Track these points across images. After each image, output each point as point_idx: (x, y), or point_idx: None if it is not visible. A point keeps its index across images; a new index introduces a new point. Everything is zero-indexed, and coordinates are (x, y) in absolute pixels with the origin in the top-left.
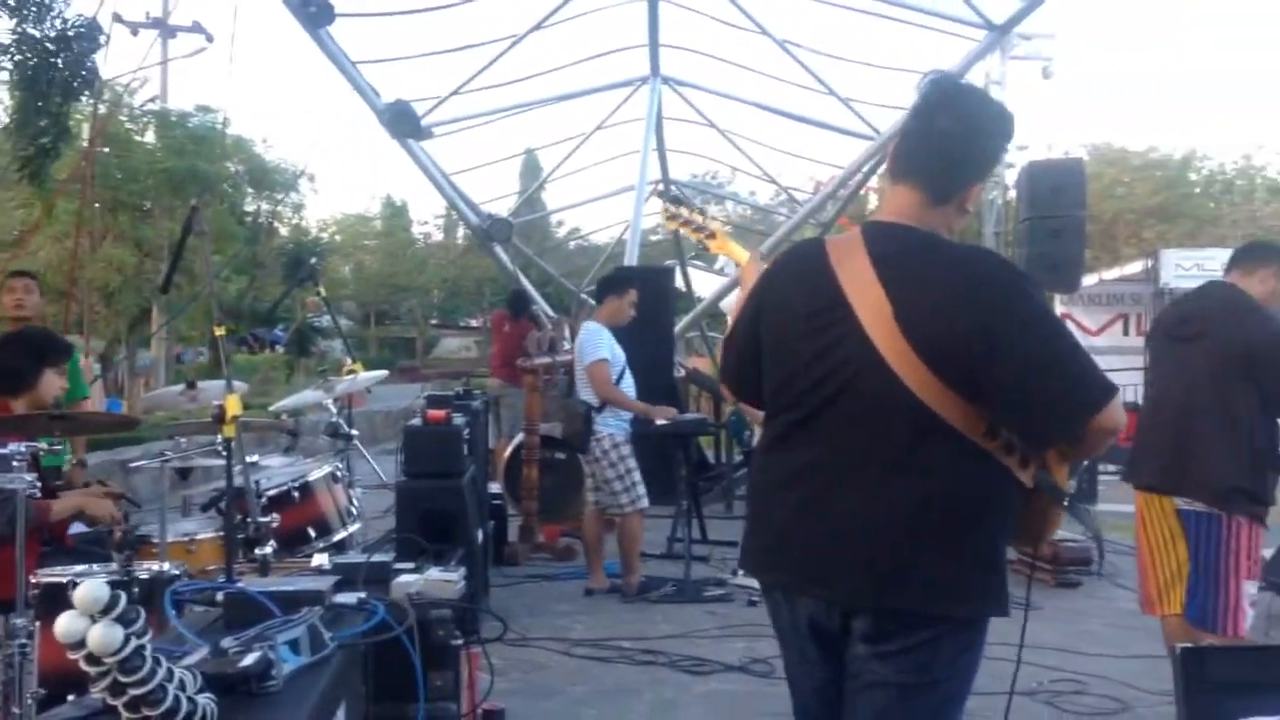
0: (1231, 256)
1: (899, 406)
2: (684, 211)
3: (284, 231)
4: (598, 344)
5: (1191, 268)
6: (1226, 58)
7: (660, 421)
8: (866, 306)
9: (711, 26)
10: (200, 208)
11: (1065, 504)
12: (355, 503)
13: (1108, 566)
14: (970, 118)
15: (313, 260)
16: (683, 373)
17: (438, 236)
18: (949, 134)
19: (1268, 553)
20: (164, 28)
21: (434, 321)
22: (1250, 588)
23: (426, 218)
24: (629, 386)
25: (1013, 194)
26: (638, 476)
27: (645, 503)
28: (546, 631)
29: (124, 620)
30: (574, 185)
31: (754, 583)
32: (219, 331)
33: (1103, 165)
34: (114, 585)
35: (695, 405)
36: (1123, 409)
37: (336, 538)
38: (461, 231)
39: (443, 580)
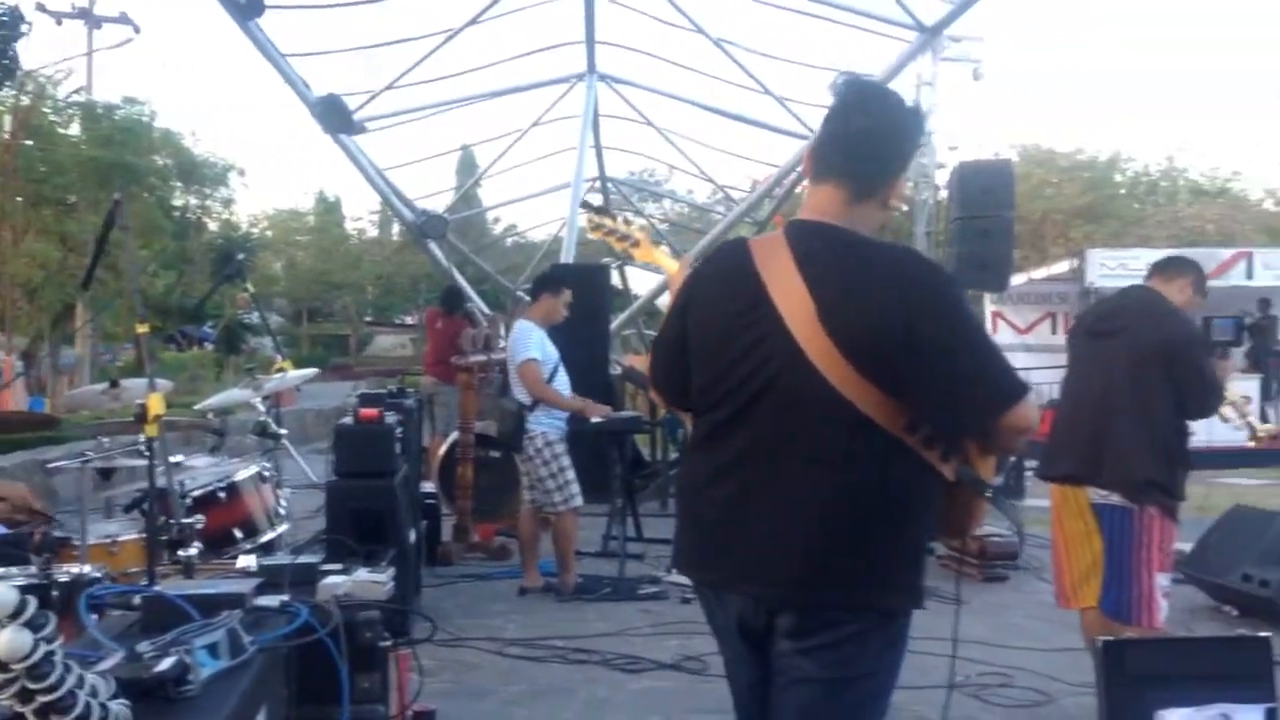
0: (1152, 265)
1: (822, 403)
2: (607, 221)
3: (213, 226)
4: (527, 343)
5: (1116, 267)
6: (1149, 57)
7: (595, 419)
8: (790, 305)
9: (648, 24)
10: (123, 201)
11: (988, 497)
12: (283, 503)
13: (1033, 560)
14: (886, 116)
15: (241, 256)
16: (619, 370)
17: (372, 233)
18: (868, 132)
19: (1186, 546)
20: (90, 18)
21: (368, 319)
22: (1163, 580)
23: (360, 214)
24: (563, 384)
25: (944, 194)
26: (571, 475)
27: (579, 501)
28: (480, 632)
29: (33, 625)
30: (511, 182)
31: (688, 580)
32: (141, 329)
33: (1031, 166)
34: (33, 588)
35: (631, 403)
36: (1035, 409)
37: (264, 539)
38: (396, 228)
39: (371, 581)
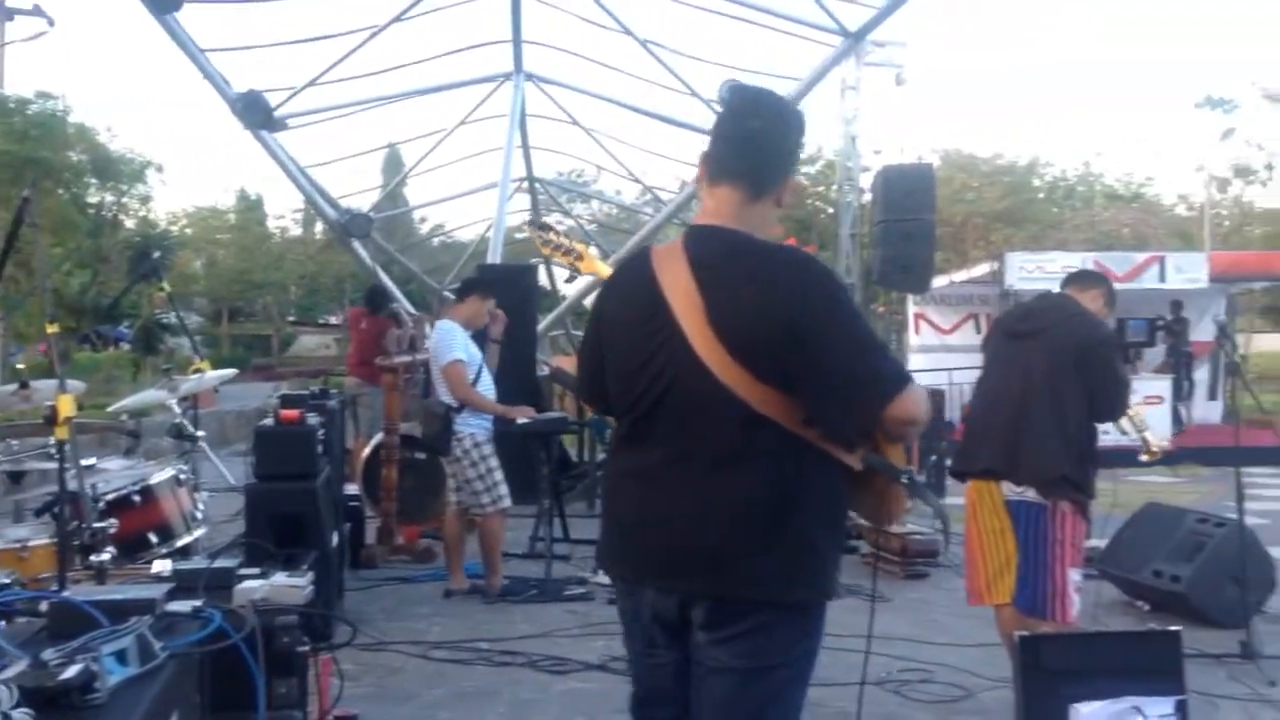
0: (1066, 277)
1: (718, 402)
2: (553, 237)
3: (130, 224)
4: (451, 344)
5: (1034, 270)
6: (1069, 57)
7: (521, 420)
8: (684, 308)
9: (576, 24)
10: (32, 198)
11: (903, 482)
12: (200, 507)
13: (954, 557)
14: (775, 116)
15: (157, 254)
16: (546, 371)
17: (295, 231)
18: (760, 132)
19: (1101, 543)
20: (1, 10)
21: (291, 319)
22: (1075, 575)
23: (283, 212)
24: (486, 386)
25: (868, 197)
26: (499, 476)
27: (507, 502)
28: (404, 635)
29: None
30: (437, 181)
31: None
32: (51, 329)
33: (953, 170)
34: None
35: (559, 404)
36: (920, 399)
37: (180, 543)
38: (320, 226)
39: (289, 585)
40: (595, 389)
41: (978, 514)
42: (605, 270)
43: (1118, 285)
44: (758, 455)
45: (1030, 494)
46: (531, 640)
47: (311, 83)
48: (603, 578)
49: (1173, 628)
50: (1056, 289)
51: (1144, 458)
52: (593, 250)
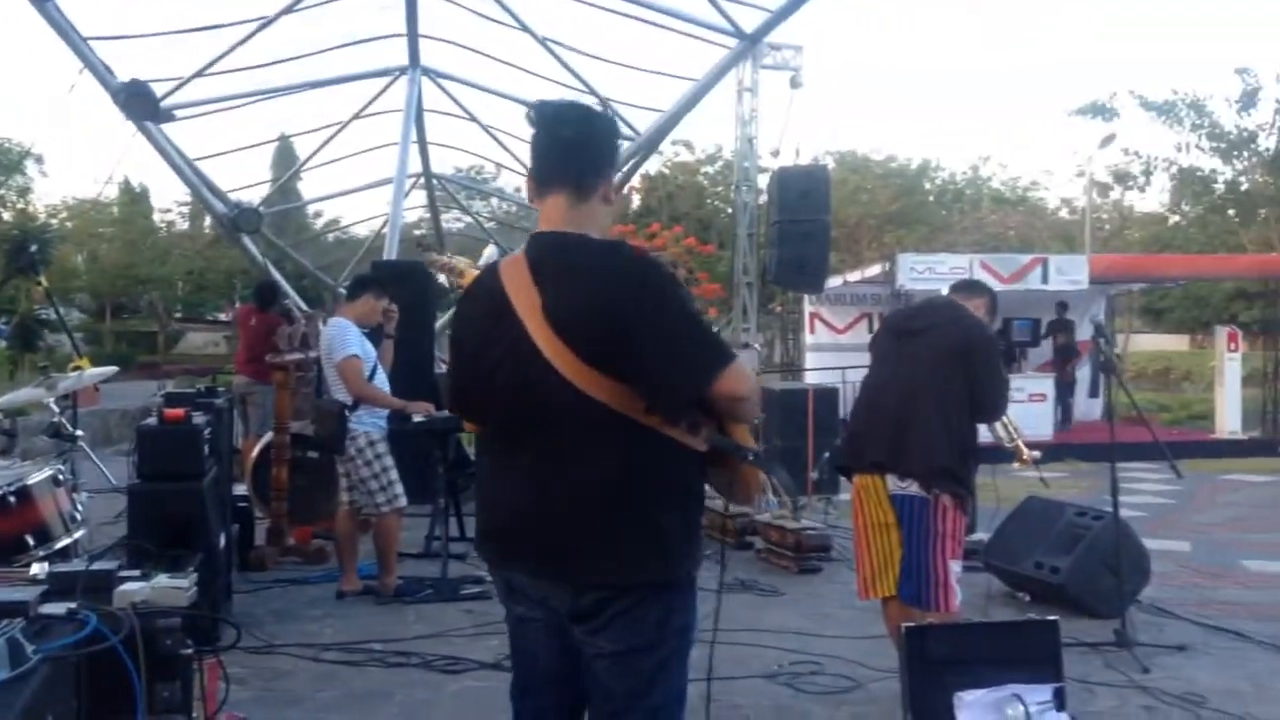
0: (952, 285)
1: (562, 395)
2: (436, 257)
3: (7, 216)
4: (346, 340)
5: (925, 271)
6: (960, 60)
7: (417, 418)
8: (525, 308)
9: (473, 20)
10: None
11: (751, 461)
12: (80, 508)
13: (845, 552)
14: (585, 122)
15: (34, 248)
16: (444, 368)
17: (182, 225)
18: (573, 139)
19: (985, 536)
20: None
21: (178, 315)
22: (956, 566)
23: (169, 205)
24: (381, 384)
25: (765, 198)
26: (395, 475)
27: (403, 501)
28: (294, 637)
29: None
30: (332, 176)
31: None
32: None
33: (847, 172)
34: None
35: None
36: (743, 375)
37: (59, 545)
38: (209, 220)
39: (171, 587)
40: (462, 397)
41: (864, 508)
42: None
43: (1003, 286)
44: (602, 444)
45: (913, 487)
46: (425, 640)
47: (199, 73)
48: None
49: (1051, 617)
50: (945, 291)
51: (1016, 465)
52: (490, 250)
